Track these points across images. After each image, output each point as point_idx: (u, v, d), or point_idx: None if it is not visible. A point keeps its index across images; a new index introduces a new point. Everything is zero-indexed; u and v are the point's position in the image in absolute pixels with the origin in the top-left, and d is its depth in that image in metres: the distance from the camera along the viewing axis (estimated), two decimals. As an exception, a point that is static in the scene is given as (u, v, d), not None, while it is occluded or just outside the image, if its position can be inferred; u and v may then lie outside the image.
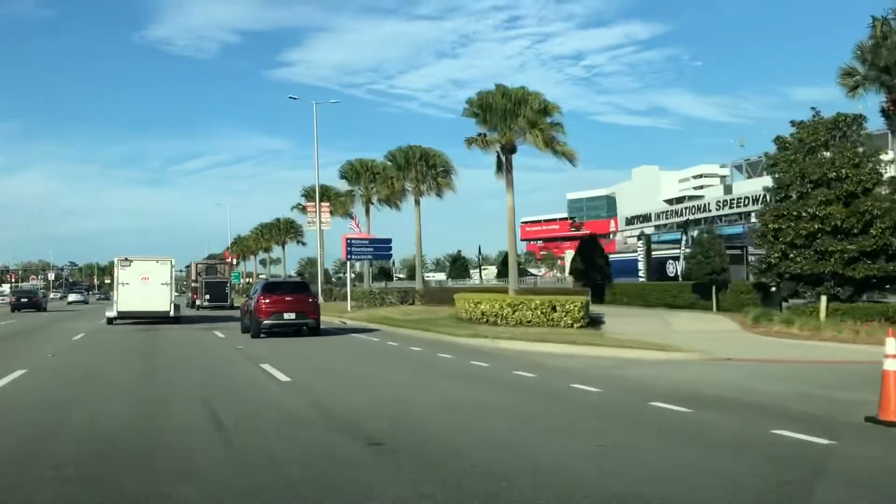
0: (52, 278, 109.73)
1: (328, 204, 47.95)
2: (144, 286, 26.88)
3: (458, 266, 67.77)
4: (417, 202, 43.55)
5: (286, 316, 20.01)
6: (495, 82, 34.64)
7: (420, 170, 42.98)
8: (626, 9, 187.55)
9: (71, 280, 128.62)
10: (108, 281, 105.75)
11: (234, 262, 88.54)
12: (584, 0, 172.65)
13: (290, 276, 72.10)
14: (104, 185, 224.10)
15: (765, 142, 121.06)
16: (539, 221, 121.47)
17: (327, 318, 26.62)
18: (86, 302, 66.51)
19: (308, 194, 53.42)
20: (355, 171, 49.99)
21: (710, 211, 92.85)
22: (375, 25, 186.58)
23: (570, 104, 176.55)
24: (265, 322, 19.85)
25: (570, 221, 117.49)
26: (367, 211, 49.01)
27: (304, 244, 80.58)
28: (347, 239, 36.44)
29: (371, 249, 37.77)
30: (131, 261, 27.41)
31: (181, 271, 68.65)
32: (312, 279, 47.80)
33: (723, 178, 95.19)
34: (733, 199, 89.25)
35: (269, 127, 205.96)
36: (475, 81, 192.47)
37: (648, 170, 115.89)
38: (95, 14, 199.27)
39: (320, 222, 43.32)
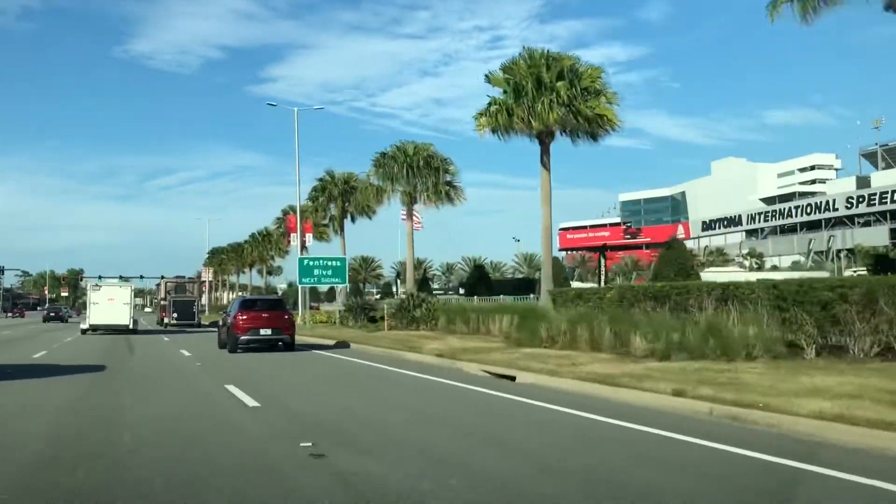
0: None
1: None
2: (111, 305, 34.96)
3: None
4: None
5: (262, 332, 20.78)
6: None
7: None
8: (606, 31, 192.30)
9: (19, 290, 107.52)
10: (64, 294, 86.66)
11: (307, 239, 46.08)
12: (566, 22, 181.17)
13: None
14: (75, 199, 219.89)
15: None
16: (584, 227, 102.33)
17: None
18: (63, 320, 62.56)
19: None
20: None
21: (835, 210, 72.03)
22: (360, 43, 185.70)
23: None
24: (242, 338, 20.73)
25: (624, 227, 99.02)
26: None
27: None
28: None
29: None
30: (101, 286, 36.87)
31: (157, 285, 65.88)
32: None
33: (837, 170, 77.27)
34: (872, 195, 69.04)
35: (245, 142, 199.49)
36: (456, 100, 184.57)
37: (734, 163, 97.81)
38: (80, 28, 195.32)
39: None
